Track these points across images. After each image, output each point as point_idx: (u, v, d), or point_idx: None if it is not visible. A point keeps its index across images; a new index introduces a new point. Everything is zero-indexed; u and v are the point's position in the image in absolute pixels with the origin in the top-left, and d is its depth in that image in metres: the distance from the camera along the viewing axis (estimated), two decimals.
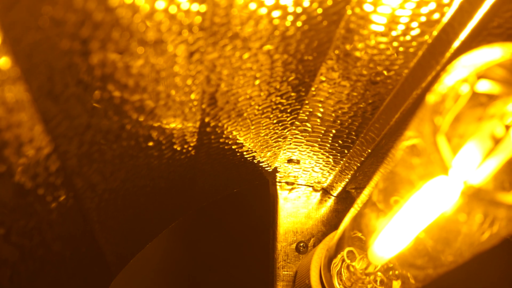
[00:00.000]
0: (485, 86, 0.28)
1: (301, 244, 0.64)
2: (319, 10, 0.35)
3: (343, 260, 0.47)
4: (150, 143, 0.41)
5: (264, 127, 0.50)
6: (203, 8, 0.30)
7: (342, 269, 0.47)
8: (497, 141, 0.27)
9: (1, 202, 0.29)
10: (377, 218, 0.36)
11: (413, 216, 0.31)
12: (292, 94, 0.45)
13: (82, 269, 0.48)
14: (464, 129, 0.29)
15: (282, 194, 0.67)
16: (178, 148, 0.46)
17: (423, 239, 0.33)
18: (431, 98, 0.27)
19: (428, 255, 0.36)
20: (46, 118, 0.27)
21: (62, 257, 0.42)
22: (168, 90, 0.35)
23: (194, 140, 0.46)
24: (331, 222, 0.67)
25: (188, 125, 0.43)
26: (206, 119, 0.44)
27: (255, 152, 0.56)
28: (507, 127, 0.27)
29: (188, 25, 0.30)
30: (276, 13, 0.34)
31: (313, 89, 0.46)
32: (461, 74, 0.28)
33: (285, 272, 0.62)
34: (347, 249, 0.47)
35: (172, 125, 0.42)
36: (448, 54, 0.38)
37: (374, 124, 0.50)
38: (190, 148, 0.47)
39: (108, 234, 0.49)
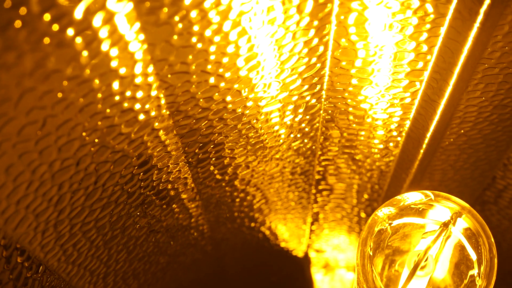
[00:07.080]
0: (410, 220, 0.34)
1: None
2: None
3: None
4: (175, 266, 0.49)
5: (279, 234, 0.58)
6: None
7: None
8: (418, 265, 0.33)
9: None
10: None
11: None
12: (297, 207, 0.53)
13: None
14: (394, 255, 0.35)
15: (317, 276, 0.73)
16: (203, 258, 0.54)
17: None
18: (363, 233, 0.34)
19: None
20: None
21: None
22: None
23: (217, 252, 0.54)
24: None
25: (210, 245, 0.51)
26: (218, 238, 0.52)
27: (280, 250, 0.63)
28: (429, 252, 0.33)
29: None
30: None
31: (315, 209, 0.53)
32: (390, 210, 0.34)
33: None
34: None
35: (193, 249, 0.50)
36: (413, 170, 0.45)
37: None
38: (217, 259, 0.55)
39: None
